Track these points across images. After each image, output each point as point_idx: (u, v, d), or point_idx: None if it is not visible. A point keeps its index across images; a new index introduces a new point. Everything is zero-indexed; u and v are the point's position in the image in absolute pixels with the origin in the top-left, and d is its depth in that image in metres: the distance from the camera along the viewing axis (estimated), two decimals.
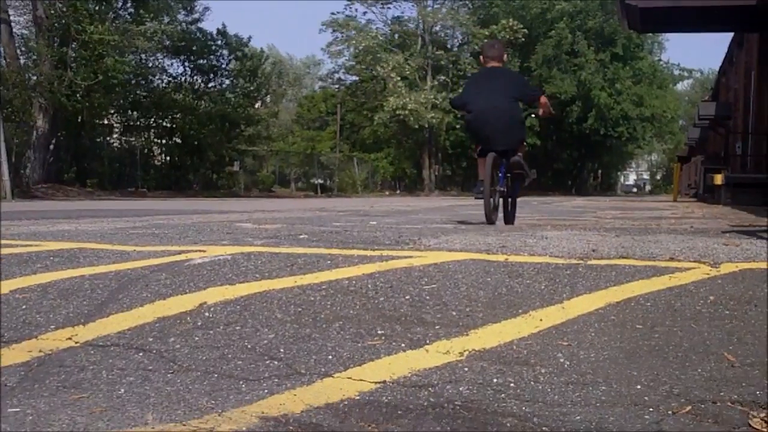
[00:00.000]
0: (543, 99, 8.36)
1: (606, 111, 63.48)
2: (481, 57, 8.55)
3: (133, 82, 40.25)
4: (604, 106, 63.06)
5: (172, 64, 44.38)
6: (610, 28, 62.80)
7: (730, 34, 28.08)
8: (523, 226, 7.91)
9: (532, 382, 2.88)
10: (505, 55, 8.59)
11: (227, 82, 46.39)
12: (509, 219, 8.54)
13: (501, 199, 8.32)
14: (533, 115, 8.51)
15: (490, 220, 7.78)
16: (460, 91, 9.15)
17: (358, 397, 2.78)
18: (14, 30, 33.08)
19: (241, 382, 2.95)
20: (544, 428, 2.53)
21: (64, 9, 31.92)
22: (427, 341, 3.25)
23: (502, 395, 2.78)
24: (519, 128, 8.14)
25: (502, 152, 7.97)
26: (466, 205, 20.45)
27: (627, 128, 65.78)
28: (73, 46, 32.58)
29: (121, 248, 5.09)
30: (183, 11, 43.72)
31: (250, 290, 3.88)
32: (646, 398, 2.73)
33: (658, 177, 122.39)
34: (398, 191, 60.36)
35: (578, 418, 2.60)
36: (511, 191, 8.50)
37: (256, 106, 48.71)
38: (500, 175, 8.03)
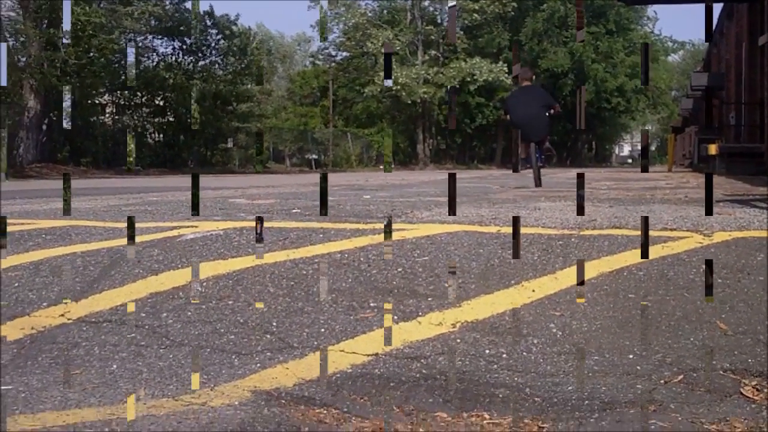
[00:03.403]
0: (556, 106, 12.43)
1: (601, 84, 63.25)
2: (518, 78, 13.03)
3: (122, 62, 40.03)
4: (600, 80, 62.85)
5: (162, 43, 44.16)
6: (600, 1, 62.44)
7: (720, 5, 27.91)
8: (517, 198, 7.96)
9: (524, 353, 2.88)
10: (534, 76, 13.01)
11: (218, 61, 46.15)
12: (540, 183, 12.00)
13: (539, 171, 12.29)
14: (546, 114, 12.12)
15: (537, 184, 11.71)
16: (505, 102, 13.62)
17: (350, 370, 2.78)
18: (1, 12, 32.86)
19: (233, 357, 2.95)
20: (536, 398, 2.54)
21: None
22: (420, 313, 3.25)
23: (495, 366, 2.78)
24: (546, 126, 12.21)
25: (537, 142, 11.93)
26: (462, 179, 20.42)
27: (622, 100, 65.64)
28: (62, 26, 32.37)
29: (114, 225, 5.07)
30: None
31: (242, 264, 3.87)
32: (638, 367, 2.73)
33: (653, 148, 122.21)
34: (392, 165, 60.18)
35: (570, 388, 2.61)
36: (542, 166, 12.49)
37: (248, 86, 48.35)
38: (537, 155, 11.99)
